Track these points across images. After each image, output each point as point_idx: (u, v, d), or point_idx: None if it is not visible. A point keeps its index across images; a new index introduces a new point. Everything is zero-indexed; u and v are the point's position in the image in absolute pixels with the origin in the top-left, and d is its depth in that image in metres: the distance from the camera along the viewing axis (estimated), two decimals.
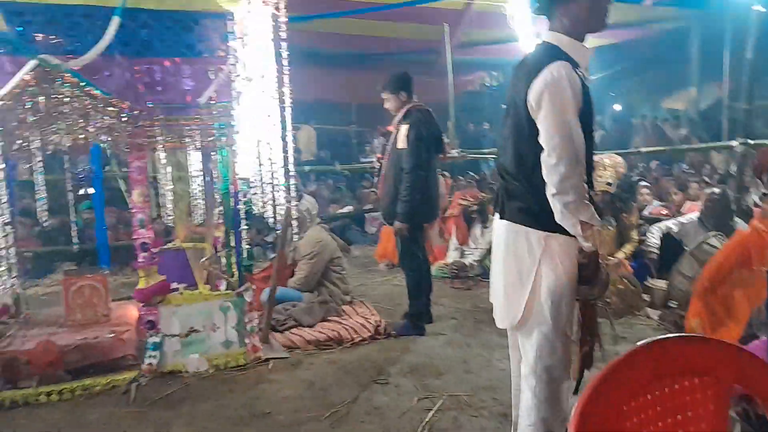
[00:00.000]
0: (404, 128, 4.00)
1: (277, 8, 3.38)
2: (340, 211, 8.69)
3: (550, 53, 1.98)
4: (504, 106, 2.22)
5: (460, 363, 3.58)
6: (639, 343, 1.12)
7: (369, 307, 4.58)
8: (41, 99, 3.09)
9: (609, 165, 4.78)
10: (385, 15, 8.21)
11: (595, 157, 2.32)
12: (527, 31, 8.03)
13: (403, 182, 3.95)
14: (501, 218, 2.15)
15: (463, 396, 3.10)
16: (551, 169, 1.92)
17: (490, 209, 6.17)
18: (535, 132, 1.96)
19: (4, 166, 3.30)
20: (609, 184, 4.74)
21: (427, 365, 3.56)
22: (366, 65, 10.51)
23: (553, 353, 2.06)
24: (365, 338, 4.01)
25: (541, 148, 1.95)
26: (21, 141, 3.44)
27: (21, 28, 3.10)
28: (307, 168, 9.18)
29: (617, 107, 14.44)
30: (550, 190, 1.94)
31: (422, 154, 3.95)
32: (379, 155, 4.49)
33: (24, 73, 3.01)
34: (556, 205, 1.94)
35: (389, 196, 4.09)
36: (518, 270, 2.06)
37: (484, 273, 5.72)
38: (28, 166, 4.39)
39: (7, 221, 2.87)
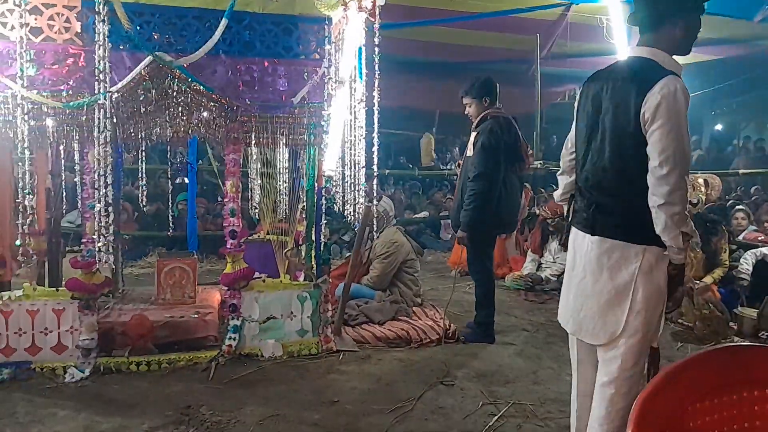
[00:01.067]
0: (474, 135, 3.99)
1: (371, 15, 3.50)
2: (416, 215, 8.77)
3: (656, 67, 2.02)
4: (579, 124, 2.28)
5: (529, 373, 3.55)
6: (708, 348, 1.11)
7: (439, 310, 4.62)
8: (153, 92, 3.36)
9: (700, 184, 4.58)
10: (475, 24, 8.22)
11: (691, 176, 2.35)
12: (623, 44, 7.84)
13: (467, 191, 3.92)
14: (592, 234, 2.14)
15: (529, 405, 3.08)
16: (661, 179, 1.93)
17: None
18: (642, 144, 1.98)
19: (110, 151, 3.59)
20: (693, 204, 4.54)
21: (494, 372, 3.56)
22: (452, 74, 10.54)
23: (636, 364, 2.08)
24: (433, 340, 4.05)
25: (645, 161, 1.97)
26: (131, 131, 3.77)
27: (140, 27, 3.39)
28: (386, 171, 9.33)
29: (718, 126, 13.66)
30: (656, 201, 1.95)
31: (489, 162, 3.87)
32: (460, 161, 4.53)
33: (141, 68, 3.29)
34: (660, 216, 1.95)
35: (456, 204, 4.11)
36: (615, 285, 2.07)
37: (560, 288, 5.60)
38: (133, 154, 4.79)
39: (110, 201, 3.14)
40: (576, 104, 2.33)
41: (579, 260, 2.20)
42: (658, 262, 2.03)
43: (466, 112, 4.17)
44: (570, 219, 2.32)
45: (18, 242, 3.09)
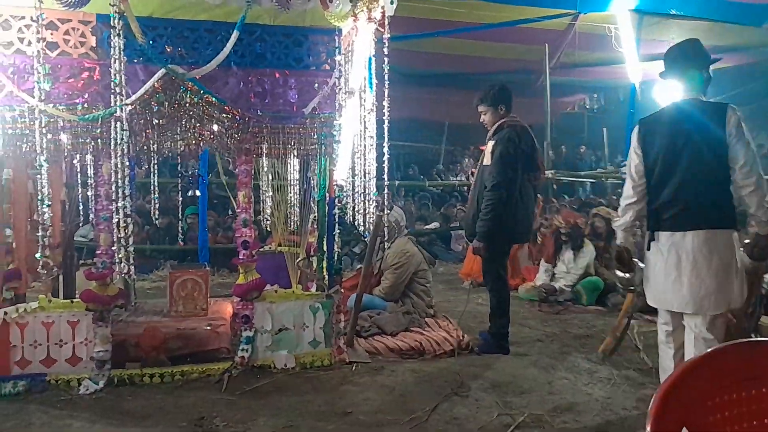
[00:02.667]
0: (491, 144, 3.94)
1: (381, 26, 3.53)
2: (427, 227, 8.77)
3: (712, 103, 2.89)
4: (649, 158, 2.93)
5: (543, 384, 3.52)
6: (730, 342, 1.10)
7: (452, 321, 4.59)
8: (166, 105, 3.39)
9: None
10: (484, 35, 8.26)
11: None
12: (632, 53, 7.84)
13: (484, 199, 3.88)
14: (696, 229, 2.76)
15: (545, 415, 3.04)
16: (748, 173, 2.72)
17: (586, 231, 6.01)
18: (725, 155, 2.74)
19: (130, 164, 3.63)
20: None
21: (509, 383, 3.52)
22: (461, 85, 10.59)
23: (722, 325, 2.85)
24: (447, 351, 4.02)
25: (727, 166, 2.74)
26: (144, 144, 3.81)
27: (153, 41, 3.43)
28: (397, 182, 9.35)
29: None
30: (748, 189, 2.71)
31: (507, 171, 3.85)
32: (473, 170, 4.50)
33: (154, 81, 3.32)
34: (753, 198, 2.72)
35: (472, 213, 4.06)
36: (725, 264, 2.75)
37: (575, 298, 5.56)
38: (145, 168, 4.82)
39: (128, 213, 3.16)
40: (638, 145, 2.96)
41: (684, 254, 2.78)
42: (739, 241, 2.79)
43: (481, 120, 4.13)
44: (656, 227, 2.90)
45: (38, 255, 3.11)
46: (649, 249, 2.95)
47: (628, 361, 3.95)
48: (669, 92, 9.60)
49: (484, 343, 4.12)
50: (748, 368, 1.08)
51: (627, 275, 3.27)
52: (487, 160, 3.96)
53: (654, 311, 5.04)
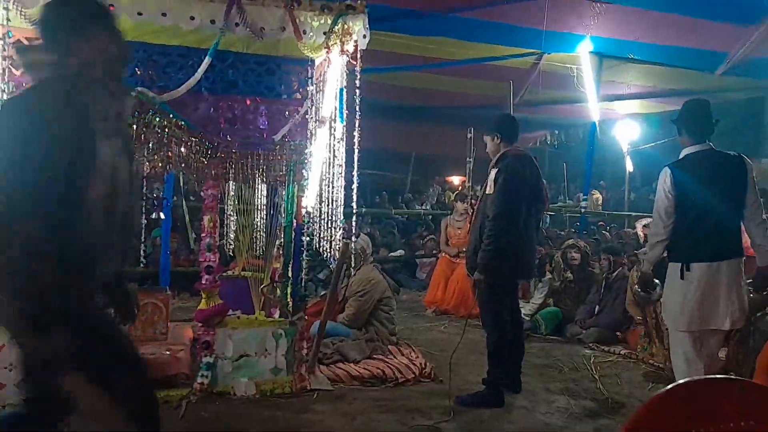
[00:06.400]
0: (494, 173, 3.74)
1: (353, 58, 3.62)
2: (392, 254, 8.81)
3: (729, 152, 3.32)
4: (680, 198, 3.29)
5: (501, 413, 3.55)
6: (692, 379, 1.15)
7: (414, 349, 4.61)
8: (134, 127, 3.38)
9: None
10: (452, 71, 8.49)
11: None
12: (593, 93, 8.17)
13: (486, 230, 3.61)
14: (728, 258, 3.20)
15: None
16: (760, 208, 3.23)
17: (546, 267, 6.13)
18: (744, 194, 3.22)
19: None
20: None
21: (467, 412, 3.54)
22: (428, 118, 10.80)
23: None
24: (409, 379, 4.03)
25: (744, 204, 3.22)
26: None
27: None
28: (363, 209, 9.41)
29: None
30: (758, 221, 3.22)
31: (511, 201, 3.61)
32: (473, 202, 4.41)
33: None
34: (760, 230, 3.22)
35: (473, 245, 3.77)
36: (744, 285, 3.26)
37: (534, 327, 5.65)
38: None
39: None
40: (672, 188, 3.26)
41: (721, 280, 3.19)
42: None
43: (486, 151, 3.99)
44: (691, 259, 3.23)
45: None
46: (682, 278, 3.24)
47: (585, 391, 4.03)
48: (627, 132, 10.00)
49: (475, 396, 3.69)
50: (709, 406, 1.12)
51: (650, 294, 3.98)
52: (489, 188, 3.73)
53: (611, 342, 5.23)
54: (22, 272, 1.68)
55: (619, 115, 10.95)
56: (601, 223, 10.83)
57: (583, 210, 9.12)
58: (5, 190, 1.69)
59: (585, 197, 9.31)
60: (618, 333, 5.36)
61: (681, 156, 3.40)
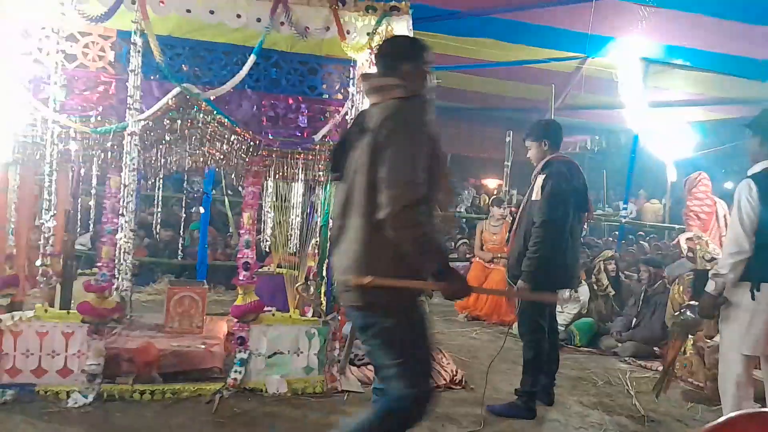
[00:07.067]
0: (540, 179, 3.66)
1: None
2: None
3: None
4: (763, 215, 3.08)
5: (534, 426, 3.49)
6: (741, 412, 1.10)
7: (446, 354, 4.57)
8: (178, 122, 3.43)
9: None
10: (491, 72, 8.40)
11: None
12: (637, 99, 7.96)
13: (532, 236, 3.54)
14: None
15: None
16: None
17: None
18: None
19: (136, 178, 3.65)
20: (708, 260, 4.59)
21: (500, 422, 3.49)
22: (465, 119, 10.70)
23: None
24: (440, 385, 3.98)
25: None
26: (153, 159, 3.84)
27: (170, 59, 3.48)
28: None
29: (728, 185, 13.73)
30: None
31: (558, 208, 3.54)
32: (513, 208, 4.34)
33: (168, 98, 3.37)
34: None
35: (517, 252, 3.69)
36: None
37: (568, 338, 5.54)
38: (151, 181, 4.85)
39: (132, 228, 3.18)
40: (759, 202, 3.03)
41: None
42: None
43: (527, 156, 3.91)
44: (761, 278, 3.03)
45: (39, 263, 3.11)
46: (753, 299, 3.02)
47: (620, 407, 3.93)
48: (671, 140, 9.68)
49: (507, 407, 3.64)
50: None
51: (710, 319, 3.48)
52: (536, 195, 3.65)
53: (648, 357, 5.09)
54: (430, 240, 2.09)
55: (664, 122, 10.66)
56: (642, 234, 10.54)
57: (623, 220, 8.91)
58: (409, 178, 2.05)
59: (625, 206, 9.09)
60: (656, 348, 5.21)
61: (758, 169, 3.14)
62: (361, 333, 2.31)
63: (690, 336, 4.37)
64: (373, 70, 2.48)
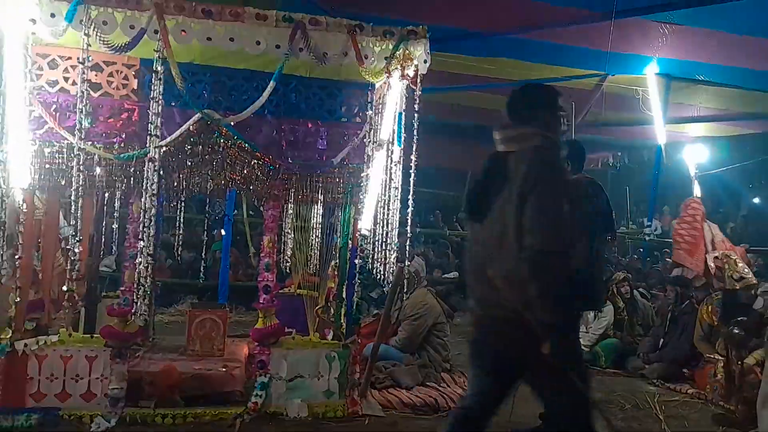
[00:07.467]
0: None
1: (413, 83, 3.61)
2: (446, 275, 8.70)
3: None
4: None
5: None
6: None
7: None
8: (200, 147, 3.48)
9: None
10: (510, 91, 8.37)
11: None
12: (659, 116, 7.87)
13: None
14: None
15: None
16: None
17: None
18: None
19: (158, 201, 3.69)
20: (735, 279, 4.48)
21: None
22: (485, 137, 10.60)
23: None
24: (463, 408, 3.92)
25: None
26: (175, 183, 3.89)
27: (191, 85, 3.54)
28: (417, 229, 9.35)
29: (756, 200, 13.45)
30: None
31: (584, 231, 3.43)
32: None
33: (190, 124, 3.42)
34: None
35: None
36: None
37: (593, 359, 5.43)
38: (174, 204, 4.93)
39: (150, 252, 3.21)
40: None
41: None
42: None
43: None
44: None
45: (65, 287, 3.16)
46: None
47: None
48: (695, 155, 9.52)
49: (530, 430, 3.48)
50: None
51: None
52: None
53: (677, 379, 4.95)
54: (552, 293, 2.22)
55: (688, 138, 10.51)
56: (668, 251, 10.32)
57: (647, 237, 8.77)
58: (551, 226, 2.22)
59: (649, 223, 8.94)
60: (685, 370, 5.07)
61: None
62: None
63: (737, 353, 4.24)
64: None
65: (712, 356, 4.66)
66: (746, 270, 4.84)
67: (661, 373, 5.07)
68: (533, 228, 2.18)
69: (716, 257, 4.95)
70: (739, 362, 4.26)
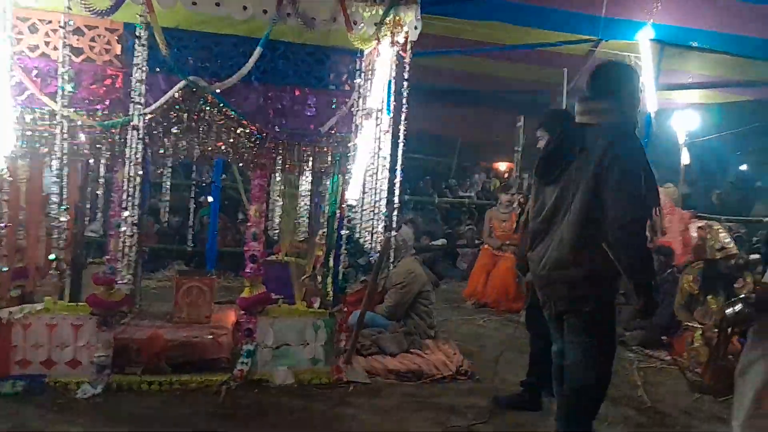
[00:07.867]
0: None
1: (403, 50, 3.55)
2: (434, 242, 8.75)
3: None
4: None
5: (539, 419, 3.50)
6: None
7: (453, 345, 4.58)
8: (185, 115, 3.42)
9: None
10: (502, 55, 8.26)
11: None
12: (651, 82, 7.82)
13: None
14: None
15: None
16: None
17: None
18: None
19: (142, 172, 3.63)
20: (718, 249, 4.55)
21: (506, 413, 3.51)
22: (475, 102, 10.55)
23: None
24: (446, 376, 4.01)
25: None
26: (161, 150, 3.83)
27: (177, 51, 3.45)
28: (406, 197, 9.34)
29: (743, 167, 13.52)
30: None
31: None
32: (521, 198, 4.28)
33: (175, 91, 3.36)
34: None
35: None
36: None
37: None
38: (160, 170, 4.87)
39: (135, 221, 3.19)
40: None
41: None
42: None
43: (537, 146, 3.78)
44: None
45: (52, 256, 3.14)
46: None
47: (626, 398, 3.93)
48: (685, 122, 9.51)
49: (512, 397, 3.64)
50: None
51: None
52: None
53: (655, 346, 5.05)
54: (649, 256, 2.52)
55: (678, 105, 10.47)
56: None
57: None
58: (636, 198, 2.43)
59: None
60: (664, 337, 5.19)
61: None
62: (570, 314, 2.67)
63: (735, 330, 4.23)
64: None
65: (690, 324, 4.76)
66: (728, 240, 4.90)
67: (641, 341, 5.18)
68: (613, 202, 2.39)
69: (699, 227, 5.00)
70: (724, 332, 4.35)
